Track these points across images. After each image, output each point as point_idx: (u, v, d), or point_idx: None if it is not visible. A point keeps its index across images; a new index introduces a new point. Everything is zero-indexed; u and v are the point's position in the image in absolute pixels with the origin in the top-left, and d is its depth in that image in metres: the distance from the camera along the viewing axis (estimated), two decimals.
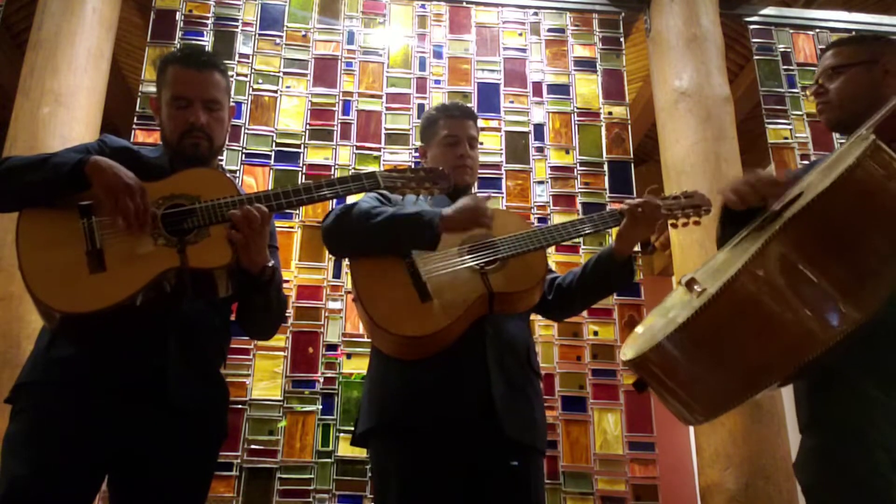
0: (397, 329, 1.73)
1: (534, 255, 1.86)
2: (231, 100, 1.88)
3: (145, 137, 3.08)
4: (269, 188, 2.68)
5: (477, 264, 1.80)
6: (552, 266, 2.12)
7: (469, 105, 2.94)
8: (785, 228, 1.28)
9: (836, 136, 3.21)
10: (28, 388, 1.56)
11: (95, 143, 1.74)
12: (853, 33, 3.35)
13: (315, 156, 3.17)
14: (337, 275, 2.99)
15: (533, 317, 2.95)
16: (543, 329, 3.04)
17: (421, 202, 1.91)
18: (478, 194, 1.99)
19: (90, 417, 1.51)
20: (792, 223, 1.28)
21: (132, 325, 1.53)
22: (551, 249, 2.98)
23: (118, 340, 1.54)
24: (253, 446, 2.74)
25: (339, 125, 3.23)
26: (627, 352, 1.43)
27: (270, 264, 1.64)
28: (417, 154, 2.14)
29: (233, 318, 1.81)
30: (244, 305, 1.77)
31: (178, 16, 3.30)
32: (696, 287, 1.37)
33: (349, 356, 2.89)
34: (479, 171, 3.13)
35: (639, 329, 1.56)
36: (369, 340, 2.83)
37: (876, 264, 1.28)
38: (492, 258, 1.81)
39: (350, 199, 1.93)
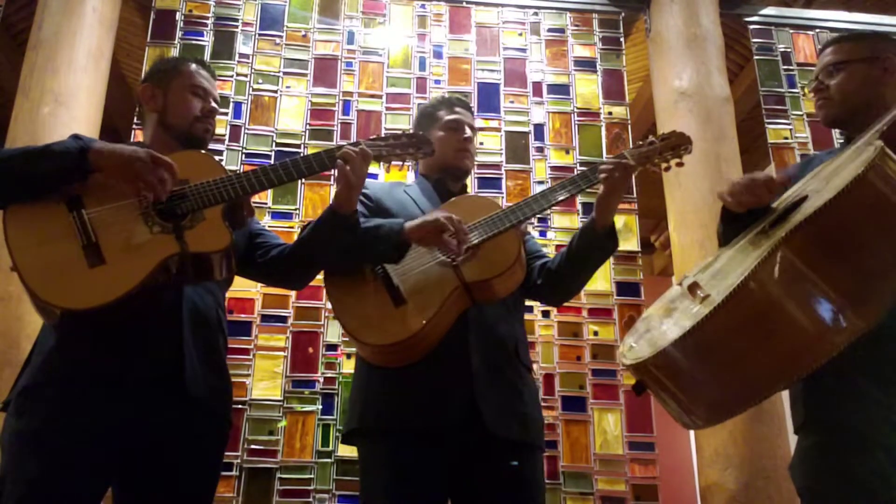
0: (375, 339, 1.70)
1: (505, 236, 1.79)
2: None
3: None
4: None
5: (448, 257, 1.76)
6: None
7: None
8: (791, 236, 1.27)
9: (836, 134, 3.20)
10: (39, 389, 1.50)
11: None
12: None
13: None
14: None
15: (532, 315, 2.97)
16: (543, 329, 3.04)
17: (406, 202, 1.92)
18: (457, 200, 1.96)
19: (106, 415, 1.48)
20: (798, 231, 1.27)
21: (142, 318, 1.51)
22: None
23: (130, 335, 1.52)
24: (253, 446, 2.73)
25: (339, 125, 3.22)
26: (629, 353, 1.42)
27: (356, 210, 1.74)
28: None
29: (231, 318, 1.81)
30: (322, 246, 1.75)
31: (178, 16, 3.30)
32: (699, 292, 1.36)
33: (349, 356, 2.88)
34: (479, 171, 3.18)
35: (640, 325, 1.53)
36: None
37: (882, 272, 1.27)
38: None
39: None
